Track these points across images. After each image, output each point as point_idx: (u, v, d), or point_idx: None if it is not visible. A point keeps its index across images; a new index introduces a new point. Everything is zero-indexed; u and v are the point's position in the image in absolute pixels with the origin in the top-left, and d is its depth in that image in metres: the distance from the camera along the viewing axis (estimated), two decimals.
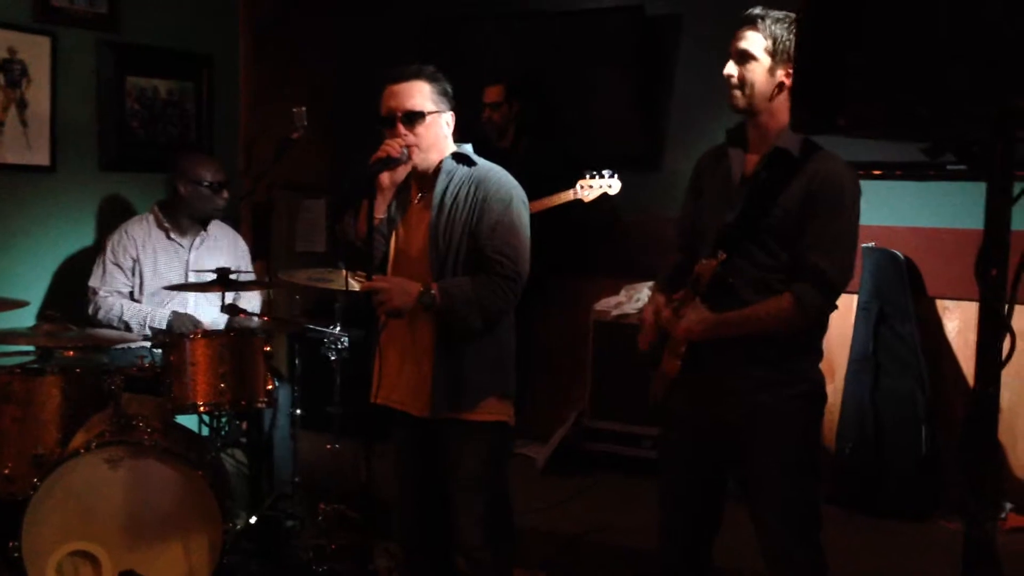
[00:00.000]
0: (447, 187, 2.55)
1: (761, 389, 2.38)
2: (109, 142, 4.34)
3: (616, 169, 4.44)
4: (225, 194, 3.89)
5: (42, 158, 4.06)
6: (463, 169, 2.58)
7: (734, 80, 2.41)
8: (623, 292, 4.62)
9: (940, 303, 4.10)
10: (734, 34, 2.44)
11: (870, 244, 4.07)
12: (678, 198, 4.46)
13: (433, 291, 2.46)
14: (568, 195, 4.23)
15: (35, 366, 3.22)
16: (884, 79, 1.53)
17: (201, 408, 3.14)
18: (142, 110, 4.51)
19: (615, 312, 4.49)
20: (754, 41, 2.39)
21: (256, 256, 4.33)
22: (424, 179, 2.61)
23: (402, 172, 2.56)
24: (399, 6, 5.34)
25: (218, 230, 3.99)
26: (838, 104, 1.58)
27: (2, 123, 3.91)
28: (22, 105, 3.98)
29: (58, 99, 4.09)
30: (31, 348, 3.33)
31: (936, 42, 1.47)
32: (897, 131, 1.74)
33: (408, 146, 2.54)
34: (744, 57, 2.40)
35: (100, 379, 3.18)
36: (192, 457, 3.03)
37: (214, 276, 3.34)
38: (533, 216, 2.71)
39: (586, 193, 4.24)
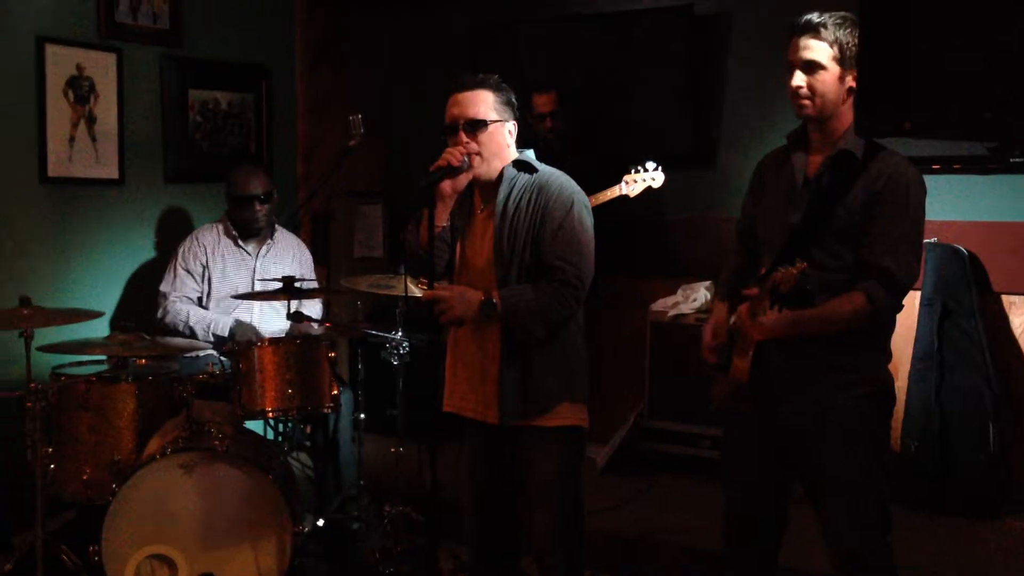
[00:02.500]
0: (509, 194, 2.58)
1: (830, 390, 2.37)
2: (173, 155, 4.46)
3: (668, 168, 4.44)
4: (261, 207, 3.92)
5: (111, 172, 4.19)
6: (524, 176, 2.60)
7: (803, 91, 2.39)
8: (680, 292, 4.62)
9: (1006, 298, 4.04)
10: (793, 42, 2.40)
11: (932, 240, 4.02)
12: (731, 197, 4.47)
13: (495, 300, 2.49)
14: (614, 191, 4.18)
15: (110, 375, 3.32)
16: (948, 83, 1.53)
17: (270, 413, 3.21)
18: (204, 122, 4.62)
19: (672, 312, 4.49)
20: (820, 50, 2.37)
21: (316, 262, 4.41)
22: (487, 188, 2.64)
23: (463, 180, 2.59)
24: (449, 12, 5.39)
25: (283, 238, 4.08)
26: (903, 109, 1.58)
27: (72, 138, 4.03)
28: (91, 120, 4.11)
29: (125, 114, 4.21)
30: (103, 356, 3.43)
31: (998, 46, 1.47)
32: (962, 133, 1.73)
33: (470, 154, 2.57)
34: (812, 67, 2.37)
35: (172, 386, 3.28)
36: (262, 461, 3.11)
37: (280, 284, 3.41)
38: None
39: (631, 188, 4.19)
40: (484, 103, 2.58)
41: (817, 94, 2.39)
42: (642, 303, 4.66)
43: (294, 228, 4.35)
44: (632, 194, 4.19)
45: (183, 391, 3.20)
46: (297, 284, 3.41)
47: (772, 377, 2.43)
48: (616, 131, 4.90)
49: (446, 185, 2.56)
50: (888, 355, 2.47)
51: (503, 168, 2.61)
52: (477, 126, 2.57)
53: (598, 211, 4.33)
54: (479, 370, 2.61)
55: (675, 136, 4.81)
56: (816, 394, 2.39)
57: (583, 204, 2.60)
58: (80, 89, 4.06)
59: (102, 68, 4.13)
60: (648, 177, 4.18)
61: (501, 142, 2.60)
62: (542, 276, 2.54)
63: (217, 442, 3.07)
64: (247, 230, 3.95)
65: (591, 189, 4.21)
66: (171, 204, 4.43)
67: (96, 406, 3.21)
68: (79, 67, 4.04)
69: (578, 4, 5.08)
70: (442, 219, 2.60)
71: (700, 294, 4.54)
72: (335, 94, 5.28)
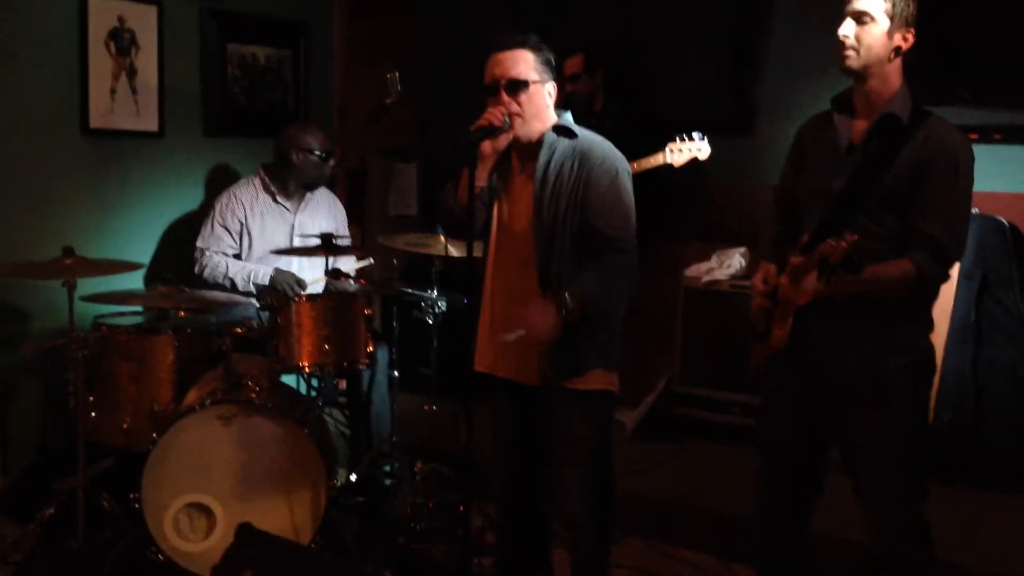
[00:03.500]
0: (550, 160, 2.56)
1: (870, 359, 2.37)
2: (213, 108, 4.47)
3: (708, 134, 4.39)
4: (332, 163, 4.00)
5: (151, 124, 4.21)
6: (565, 141, 2.58)
7: (850, 40, 2.36)
8: (714, 258, 4.59)
9: None
10: None
11: (973, 210, 3.96)
12: (770, 163, 4.41)
13: (568, 301, 2.42)
14: (658, 159, 4.12)
15: (150, 326, 3.37)
16: (1004, 50, 1.50)
17: (306, 368, 3.25)
18: (243, 77, 4.63)
19: (706, 278, 4.47)
20: (873, 2, 2.34)
21: (351, 220, 4.43)
22: (525, 150, 2.62)
23: (503, 141, 2.57)
24: None
25: (319, 193, 4.10)
26: (958, 76, 1.55)
27: (114, 90, 4.06)
28: (132, 72, 4.12)
29: (165, 67, 4.23)
30: (144, 308, 3.48)
31: None
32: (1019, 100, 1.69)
33: (511, 115, 2.55)
34: (862, 18, 2.35)
35: (210, 339, 3.32)
36: (298, 415, 3.15)
37: (318, 241, 3.43)
38: None
39: (676, 157, 4.11)
40: (525, 63, 2.55)
41: (863, 46, 2.36)
42: (676, 268, 4.64)
43: (330, 184, 4.36)
44: (677, 163, 4.12)
45: (221, 344, 3.24)
46: (334, 241, 3.42)
47: (811, 345, 2.42)
48: (655, 94, 4.85)
49: (486, 145, 2.54)
50: (930, 324, 2.46)
51: (543, 132, 2.59)
52: (519, 86, 2.55)
53: (636, 175, 4.34)
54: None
55: (715, 101, 4.76)
56: (855, 362, 2.38)
57: (626, 171, 2.59)
58: (122, 41, 4.07)
59: (143, 20, 4.14)
60: (695, 148, 4.10)
61: (541, 103, 2.58)
62: (591, 246, 2.52)
63: (254, 395, 3.11)
64: (309, 185, 3.97)
65: (628, 153, 4.18)
66: (209, 157, 4.46)
67: (137, 356, 3.26)
68: (120, 19, 4.05)
69: None
70: (482, 179, 2.60)
71: (735, 260, 4.52)
72: (372, 49, 5.26)
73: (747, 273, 4.45)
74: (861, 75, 2.39)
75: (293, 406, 3.23)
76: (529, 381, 2.62)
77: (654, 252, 4.89)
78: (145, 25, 4.15)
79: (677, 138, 4.16)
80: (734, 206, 4.74)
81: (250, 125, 4.61)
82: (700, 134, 4.14)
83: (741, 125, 4.76)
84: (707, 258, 4.62)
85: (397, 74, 4.49)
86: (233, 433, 3.06)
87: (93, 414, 3.22)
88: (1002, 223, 3.96)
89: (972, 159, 2.35)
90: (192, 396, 3.20)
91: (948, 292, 3.99)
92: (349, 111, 5.20)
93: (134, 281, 3.99)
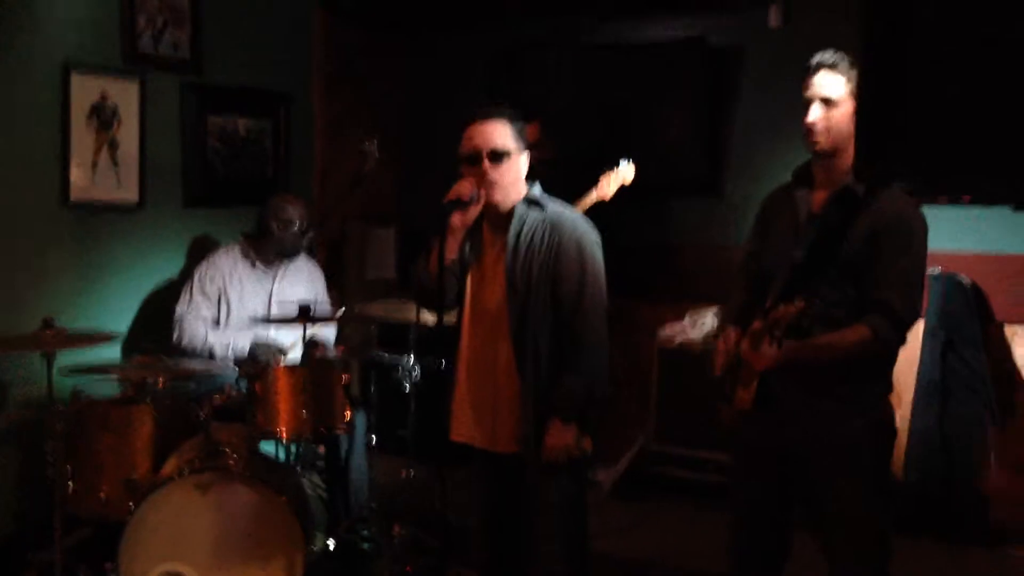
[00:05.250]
0: (520, 231, 2.64)
1: (832, 422, 2.44)
2: (193, 179, 4.55)
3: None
4: (310, 235, 4.06)
5: (131, 195, 4.28)
6: (535, 213, 2.66)
7: (819, 125, 2.46)
8: (687, 317, 4.68)
9: (1008, 328, 4.09)
10: (810, 80, 2.49)
11: (936, 270, 4.08)
12: (739, 224, 4.55)
13: (568, 413, 2.61)
14: (591, 197, 3.99)
15: (129, 396, 3.40)
16: (954, 142, 1.57)
17: (284, 435, 3.28)
18: (223, 148, 4.72)
19: (680, 339, 4.56)
20: (837, 85, 2.45)
21: (329, 285, 4.49)
22: (497, 222, 2.70)
23: (473, 213, 2.64)
24: (466, 39, 5.50)
25: (299, 261, 4.16)
26: (907, 166, 1.64)
27: (95, 163, 4.13)
28: (113, 146, 4.20)
29: (146, 139, 4.30)
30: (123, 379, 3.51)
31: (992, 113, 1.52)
32: (968, 197, 1.76)
33: (488, 184, 2.60)
34: (829, 103, 2.45)
35: (189, 408, 3.35)
36: (276, 483, 3.17)
37: (296, 308, 3.49)
38: None
39: (606, 189, 3.97)
40: (505, 133, 2.64)
41: (832, 129, 2.46)
42: (649, 328, 4.74)
43: (309, 250, 4.43)
44: (608, 196, 4.00)
45: (200, 412, 3.28)
46: (312, 311, 3.48)
47: (774, 408, 2.49)
48: (627, 157, 4.97)
49: (456, 218, 2.61)
50: (889, 387, 2.53)
51: (514, 205, 2.67)
52: (501, 156, 2.62)
53: (607, 231, 4.35)
54: (488, 400, 2.68)
55: (687, 164, 4.90)
56: (817, 425, 2.45)
57: (595, 242, 2.68)
58: (104, 115, 4.16)
59: (125, 95, 4.23)
60: (620, 174, 3.98)
61: (518, 173, 2.67)
62: (560, 315, 2.61)
63: (232, 463, 3.14)
64: (286, 254, 4.03)
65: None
66: (189, 228, 4.52)
67: (115, 426, 3.27)
68: (103, 94, 4.14)
69: (594, 34, 5.18)
70: (452, 252, 2.67)
71: (708, 320, 4.61)
72: (351, 118, 5.38)
73: (717, 333, 4.53)
74: (830, 155, 2.50)
75: (271, 474, 3.26)
76: (505, 449, 2.67)
77: (628, 313, 4.99)
78: (127, 99, 4.24)
79: (606, 171, 4.04)
80: (705, 266, 4.85)
81: (230, 195, 4.69)
82: (625, 160, 4.03)
83: (712, 187, 4.90)
84: (681, 318, 4.72)
85: (375, 141, 4.61)
86: (211, 501, 3.08)
87: (70, 484, 3.23)
88: (964, 282, 4.08)
89: (925, 227, 2.45)
90: (170, 465, 3.22)
91: (914, 351, 4.09)
92: (329, 178, 5.31)
93: (114, 350, 4.02)
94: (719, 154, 4.90)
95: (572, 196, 3.92)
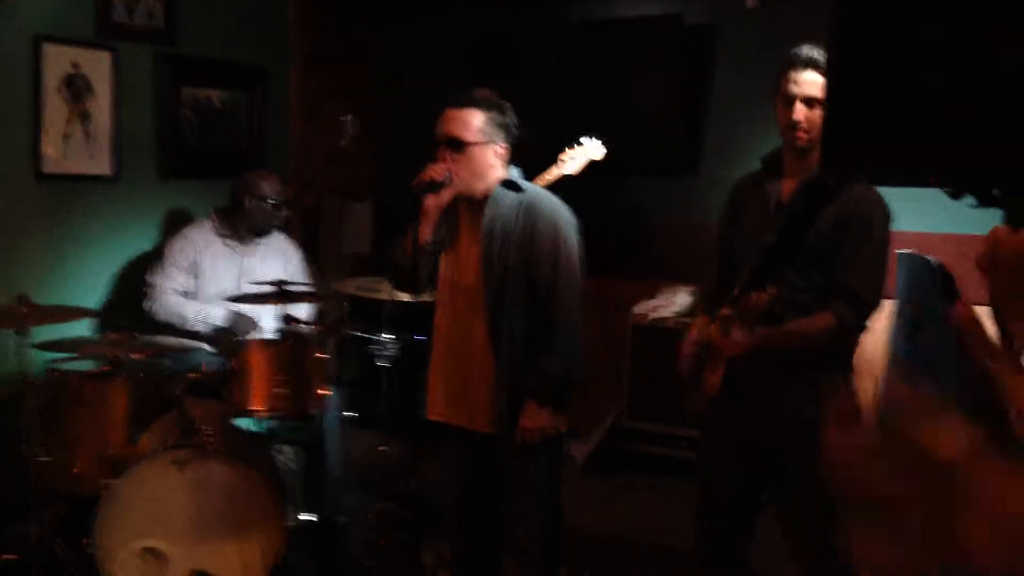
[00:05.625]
0: (496, 215, 2.66)
1: (798, 405, 2.48)
2: (167, 151, 4.52)
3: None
4: (285, 211, 4.04)
5: (104, 168, 4.25)
6: (511, 195, 2.68)
7: (803, 124, 2.46)
8: (660, 295, 4.73)
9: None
10: (791, 75, 2.47)
11: (906, 250, 4.14)
12: (715, 203, 4.56)
13: (544, 400, 2.65)
14: (553, 172, 3.81)
15: (103, 371, 3.40)
16: (906, 134, 1.60)
17: (259, 413, 3.30)
18: (197, 119, 4.69)
19: (653, 315, 4.61)
20: (820, 85, 2.43)
21: (306, 259, 4.48)
22: (473, 205, 2.72)
23: (446, 196, 2.66)
24: (443, 17, 5.47)
25: (273, 238, 4.15)
26: (864, 153, 1.66)
27: (68, 135, 4.10)
28: (85, 117, 4.17)
29: (119, 111, 4.27)
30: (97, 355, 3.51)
31: (957, 97, 1.54)
32: (919, 183, 1.77)
33: (451, 171, 2.64)
34: (811, 102, 2.45)
35: (164, 383, 3.36)
36: (251, 459, 3.20)
37: (272, 287, 3.50)
38: None
39: (571, 165, 3.80)
40: (470, 123, 2.64)
41: (814, 127, 2.46)
42: (623, 305, 4.78)
43: (284, 227, 4.42)
44: (574, 171, 3.83)
45: (175, 388, 3.29)
46: (288, 287, 3.49)
47: (743, 393, 2.54)
48: (604, 137, 4.99)
49: (430, 200, 2.63)
50: (851, 370, 2.59)
51: (490, 189, 2.68)
52: (457, 145, 2.63)
53: (582, 209, 4.32)
54: (464, 380, 2.71)
55: (662, 142, 4.92)
56: (784, 408, 2.50)
57: (571, 224, 2.70)
58: (75, 87, 4.12)
59: (98, 66, 4.19)
60: (587, 150, 3.83)
61: (483, 163, 2.66)
62: (535, 295, 2.64)
63: (208, 439, 3.16)
64: (260, 231, 4.01)
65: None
66: (164, 200, 4.50)
67: (89, 400, 3.27)
68: (75, 65, 4.10)
69: (569, 13, 5.17)
70: (426, 234, 2.68)
71: (681, 297, 4.66)
72: (328, 93, 5.35)
73: (693, 310, 4.59)
74: (809, 151, 2.52)
75: (247, 450, 3.28)
76: (480, 428, 2.71)
77: (602, 290, 5.02)
78: (99, 70, 4.20)
79: (567, 148, 3.86)
80: (679, 244, 4.89)
81: (205, 167, 4.67)
82: (589, 137, 3.88)
83: (687, 165, 4.93)
84: (654, 296, 4.76)
85: (352, 117, 4.58)
86: (187, 477, 3.10)
87: (45, 459, 3.24)
88: (932, 262, 4.14)
89: (888, 216, 2.50)
90: (145, 441, 3.24)
91: (883, 329, 4.16)
92: (305, 153, 5.28)
93: (88, 326, 4.01)
94: (695, 133, 4.93)
95: (541, 167, 3.89)
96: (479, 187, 2.67)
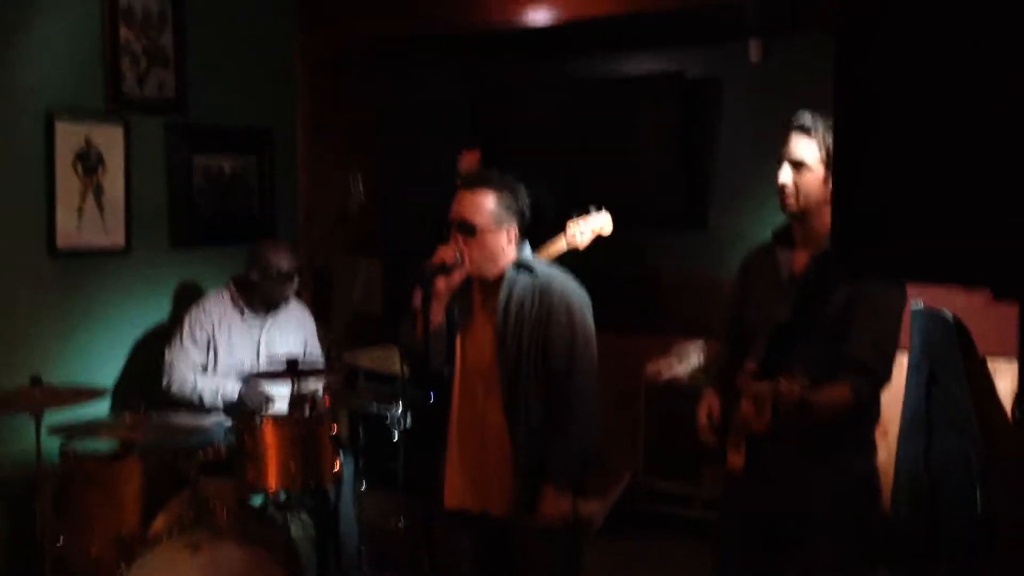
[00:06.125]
0: (510, 297, 2.65)
1: (817, 480, 2.47)
2: (179, 220, 4.55)
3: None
4: (294, 283, 4.04)
5: (117, 240, 4.27)
6: (525, 277, 2.68)
7: (789, 187, 2.50)
8: (673, 352, 4.71)
9: (991, 362, 4.13)
10: (786, 138, 2.53)
11: (919, 304, 4.12)
12: (722, 256, 4.58)
13: (563, 485, 2.62)
14: (560, 244, 3.76)
15: (117, 451, 3.41)
16: (914, 232, 1.57)
17: (273, 490, 3.29)
18: (209, 187, 4.72)
19: (667, 373, 4.59)
20: (808, 151, 2.49)
21: (317, 318, 4.50)
22: (486, 285, 2.72)
23: (458, 277, 2.67)
24: (450, 75, 5.52)
25: (288, 306, 4.16)
26: (873, 252, 1.64)
27: (81, 210, 4.13)
28: (99, 191, 4.20)
29: (132, 182, 4.30)
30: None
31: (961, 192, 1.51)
32: (930, 279, 1.75)
33: (462, 253, 2.65)
34: (799, 166, 2.49)
35: (178, 462, 3.36)
36: (266, 539, 3.19)
37: (285, 359, 3.51)
38: None
39: (580, 238, 3.74)
40: (482, 207, 2.64)
41: (802, 192, 2.50)
42: (634, 360, 4.76)
43: (296, 293, 4.44)
44: (582, 245, 3.77)
45: (188, 467, 3.29)
46: (302, 360, 3.50)
47: (764, 470, 2.52)
48: (610, 192, 5.00)
49: (440, 282, 2.64)
50: (874, 448, 2.57)
51: (502, 271, 2.68)
52: (469, 230, 2.64)
53: (591, 265, 4.24)
54: (480, 463, 2.70)
55: (668, 197, 4.93)
56: (803, 484, 2.48)
57: (585, 304, 2.70)
58: (88, 161, 4.16)
59: (110, 140, 4.23)
60: (596, 223, 3.74)
61: (496, 247, 2.66)
62: (550, 376, 2.64)
63: (222, 520, 3.15)
64: (270, 304, 4.03)
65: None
66: (176, 269, 4.52)
67: (103, 482, 3.28)
68: (88, 140, 4.14)
69: (574, 70, 5.21)
70: (438, 316, 2.68)
71: (693, 354, 4.64)
72: (335, 152, 5.38)
73: (706, 366, 4.57)
74: (801, 217, 2.53)
75: (261, 529, 3.27)
76: (498, 512, 2.69)
77: (613, 346, 5.01)
78: (112, 144, 4.23)
79: (574, 215, 3.80)
80: (688, 298, 4.88)
81: (216, 234, 4.69)
82: (596, 206, 3.80)
83: (694, 219, 4.94)
84: (665, 350, 4.75)
85: (360, 176, 4.62)
86: (201, 562, 3.08)
87: (60, 542, 3.24)
88: (946, 315, 4.12)
89: (901, 287, 2.49)
90: (160, 521, 3.23)
91: (899, 385, 4.13)
92: (314, 212, 5.31)
93: (102, 402, 4.02)
94: (701, 187, 4.94)
95: (546, 234, 3.82)
96: (491, 270, 2.67)
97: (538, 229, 4.03)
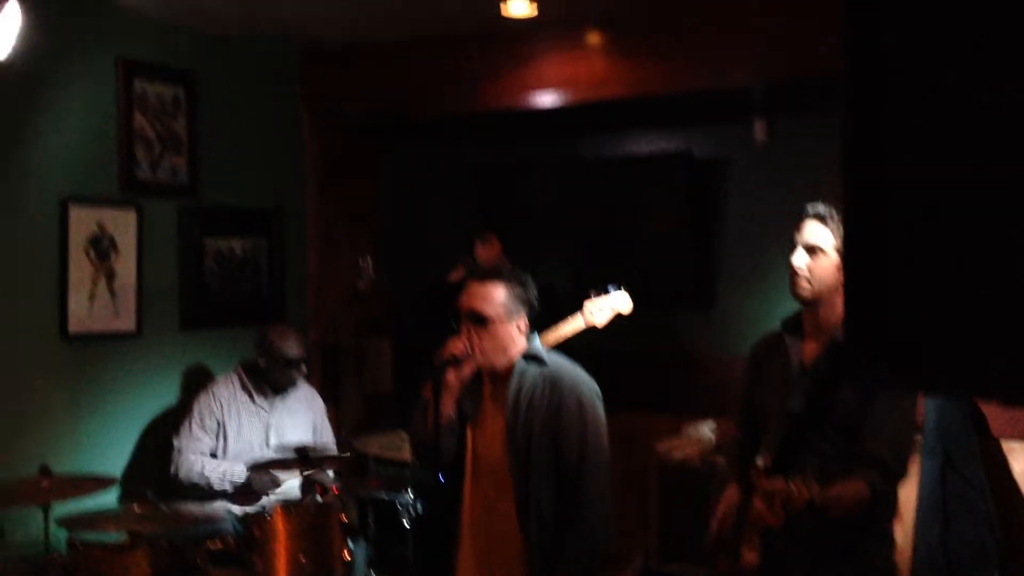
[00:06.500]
0: (520, 389, 2.65)
1: None
2: (189, 303, 4.57)
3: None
4: (303, 368, 4.05)
5: (128, 324, 4.28)
6: (534, 369, 2.68)
7: (803, 271, 2.52)
8: (685, 432, 4.68)
9: (1005, 444, 4.09)
10: (802, 224, 2.56)
11: None
12: (731, 335, 4.58)
13: (579, 572, 2.60)
14: (578, 323, 3.70)
15: (125, 541, 3.37)
16: (926, 344, 1.56)
17: None
18: (219, 269, 4.75)
19: (678, 454, 4.55)
20: (823, 237, 2.51)
21: (326, 398, 4.48)
22: (496, 377, 2.72)
23: (468, 369, 2.67)
24: (457, 152, 5.59)
25: (297, 389, 4.16)
26: (886, 363, 1.64)
27: (93, 294, 4.15)
28: (111, 276, 4.23)
29: (143, 266, 4.33)
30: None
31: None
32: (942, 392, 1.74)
33: (472, 345, 2.65)
34: (814, 251, 2.51)
35: (187, 552, 3.32)
36: None
37: (295, 448, 3.49)
38: None
39: (597, 317, 3.69)
40: (492, 299, 2.66)
41: (815, 277, 2.52)
42: (644, 439, 4.73)
43: (305, 376, 4.44)
44: (600, 324, 3.71)
45: (196, 557, 3.25)
46: (310, 450, 3.48)
47: (779, 566, 2.48)
48: (617, 270, 5.03)
49: (451, 375, 2.64)
50: (892, 543, 2.54)
51: (512, 362, 2.69)
52: (480, 321, 2.65)
53: (600, 344, 4.17)
54: (493, 560, 2.67)
55: (677, 276, 4.95)
56: None
57: (596, 395, 2.70)
58: (101, 246, 4.19)
59: (123, 225, 4.26)
60: (614, 302, 3.70)
61: (506, 338, 2.67)
62: (561, 469, 2.62)
63: None
64: (278, 389, 4.02)
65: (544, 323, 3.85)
66: (185, 352, 4.53)
67: (111, 573, 3.24)
68: (100, 226, 4.18)
69: (580, 148, 5.27)
70: (448, 408, 2.68)
71: (704, 434, 4.61)
72: (343, 231, 5.42)
73: (718, 446, 4.53)
74: (812, 303, 2.54)
75: None
76: None
77: (623, 425, 4.97)
78: (124, 229, 4.27)
79: (592, 294, 3.74)
80: (697, 378, 4.87)
81: (226, 316, 4.71)
82: (615, 285, 3.74)
83: (702, 298, 4.95)
84: (675, 430, 4.72)
85: (369, 258, 4.65)
86: None
87: None
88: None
89: None
90: None
91: (914, 468, 4.08)
92: (324, 293, 5.33)
93: (111, 490, 3.99)
94: (709, 266, 4.96)
95: (557, 314, 3.78)
96: (501, 361, 2.68)
97: (552, 307, 4.06)
